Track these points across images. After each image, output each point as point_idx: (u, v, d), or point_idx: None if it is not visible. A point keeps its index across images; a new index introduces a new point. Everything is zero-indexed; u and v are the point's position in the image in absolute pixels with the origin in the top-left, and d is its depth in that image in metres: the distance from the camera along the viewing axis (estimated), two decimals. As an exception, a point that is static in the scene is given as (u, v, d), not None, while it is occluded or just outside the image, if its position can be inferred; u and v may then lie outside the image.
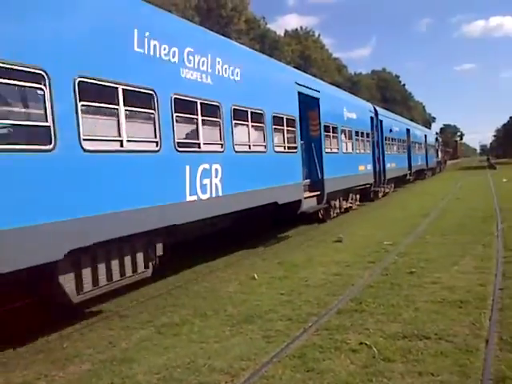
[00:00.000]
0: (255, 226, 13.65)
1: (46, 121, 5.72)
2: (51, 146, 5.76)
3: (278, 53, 29.01)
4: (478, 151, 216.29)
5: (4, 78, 5.28)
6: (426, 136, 44.88)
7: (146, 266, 7.71)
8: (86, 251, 6.34)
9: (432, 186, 32.69)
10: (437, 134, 72.41)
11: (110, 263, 6.96)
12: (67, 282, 6.25)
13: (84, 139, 6.23)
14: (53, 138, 5.76)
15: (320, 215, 15.85)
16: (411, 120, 46.96)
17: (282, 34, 35.87)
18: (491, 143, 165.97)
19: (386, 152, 24.91)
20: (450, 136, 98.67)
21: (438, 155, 56.58)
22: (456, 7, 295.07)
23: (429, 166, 44.86)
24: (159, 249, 7.98)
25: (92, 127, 6.51)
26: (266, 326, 6.35)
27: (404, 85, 75.95)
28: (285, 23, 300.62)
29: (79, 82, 6.16)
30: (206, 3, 24.04)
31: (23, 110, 5.78)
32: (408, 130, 33.42)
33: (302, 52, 35.84)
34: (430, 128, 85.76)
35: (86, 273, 6.55)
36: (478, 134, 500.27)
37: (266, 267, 10.04)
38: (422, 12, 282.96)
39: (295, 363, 5.11)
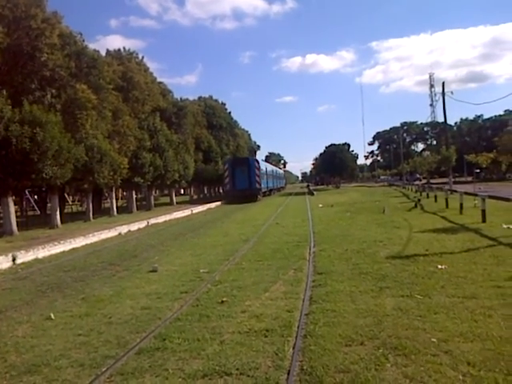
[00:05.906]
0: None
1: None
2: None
3: (96, 72, 27.35)
4: (300, 178, 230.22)
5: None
6: (279, 171, 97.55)
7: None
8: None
9: (254, 212, 33.65)
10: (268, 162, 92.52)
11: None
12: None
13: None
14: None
15: None
16: (237, 147, 56.62)
17: (104, 54, 34.38)
18: (311, 171, 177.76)
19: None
20: (274, 164, 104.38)
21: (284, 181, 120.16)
22: (275, 43, 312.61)
23: (275, 187, 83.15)
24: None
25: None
26: (52, 376, 5.53)
27: (230, 112, 77.99)
28: (107, 43, 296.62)
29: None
30: (12, 12, 21.81)
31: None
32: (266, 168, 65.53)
33: (124, 73, 34.69)
34: (255, 155, 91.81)
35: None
36: (299, 163, 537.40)
37: (66, 304, 9.00)
38: (245, 44, 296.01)
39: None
